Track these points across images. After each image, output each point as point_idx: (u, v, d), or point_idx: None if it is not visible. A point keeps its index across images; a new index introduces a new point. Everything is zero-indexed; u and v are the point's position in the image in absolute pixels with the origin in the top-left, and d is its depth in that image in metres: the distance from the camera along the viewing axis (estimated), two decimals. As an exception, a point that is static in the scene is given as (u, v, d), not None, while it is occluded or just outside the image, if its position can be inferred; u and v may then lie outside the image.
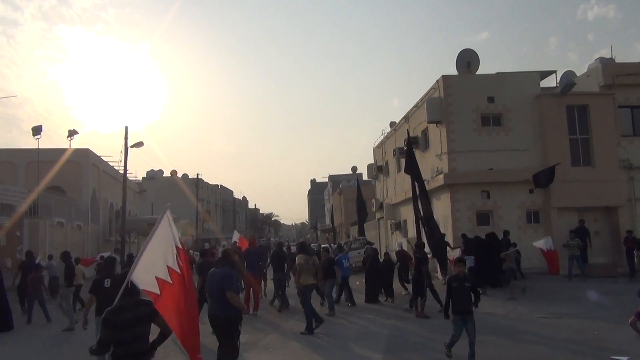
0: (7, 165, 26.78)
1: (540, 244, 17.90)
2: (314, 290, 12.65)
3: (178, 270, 5.02)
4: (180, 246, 5.11)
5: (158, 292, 4.78)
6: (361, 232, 33.16)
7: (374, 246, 20.40)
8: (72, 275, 12.82)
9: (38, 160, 25.41)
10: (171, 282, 4.96)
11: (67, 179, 28.79)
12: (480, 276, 13.37)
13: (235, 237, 19.88)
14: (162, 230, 4.91)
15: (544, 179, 19.61)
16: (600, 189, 20.72)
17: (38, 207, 23.35)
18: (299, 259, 11.83)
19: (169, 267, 4.93)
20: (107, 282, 7.63)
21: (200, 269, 12.03)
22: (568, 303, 13.41)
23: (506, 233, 18.66)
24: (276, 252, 15.42)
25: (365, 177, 53.64)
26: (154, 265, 4.78)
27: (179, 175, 72.62)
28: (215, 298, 6.99)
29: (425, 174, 23.08)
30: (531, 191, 20.91)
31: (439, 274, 18.11)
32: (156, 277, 4.76)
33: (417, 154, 24.17)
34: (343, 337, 10.72)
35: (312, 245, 51.76)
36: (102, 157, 33.20)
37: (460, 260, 8.43)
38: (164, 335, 4.87)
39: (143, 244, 4.76)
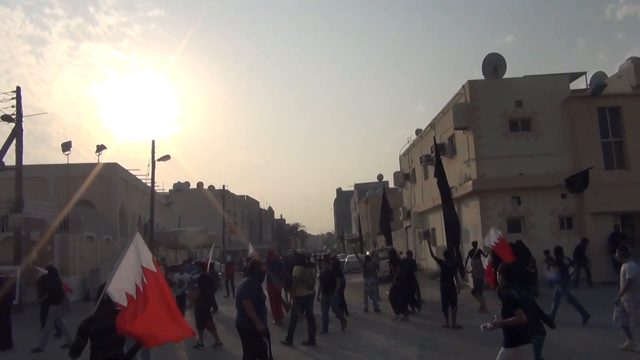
0: (38, 180, 27.32)
1: (488, 240, 13.94)
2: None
3: (142, 289, 5.61)
4: (146, 266, 5.61)
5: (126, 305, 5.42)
6: (388, 241, 32.78)
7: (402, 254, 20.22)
8: (60, 292, 12.68)
9: (68, 175, 25.86)
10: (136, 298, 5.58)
11: (96, 193, 29.25)
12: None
13: (251, 250, 19.93)
14: (131, 255, 5.42)
15: (578, 183, 19.11)
16: (635, 193, 20.13)
17: (68, 222, 23.74)
18: (295, 270, 12.02)
19: (136, 285, 5.55)
20: None
21: (200, 282, 12.28)
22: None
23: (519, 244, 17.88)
24: (291, 262, 15.37)
25: (391, 185, 53.34)
26: (125, 282, 5.39)
27: (205, 187, 73.35)
28: (239, 308, 7.22)
29: (452, 181, 22.86)
30: (564, 196, 20.44)
31: (470, 283, 17.75)
32: (126, 293, 5.37)
33: (444, 160, 23.98)
34: (372, 348, 10.55)
35: (338, 255, 51.73)
36: (129, 171, 33.70)
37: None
38: (137, 344, 5.22)
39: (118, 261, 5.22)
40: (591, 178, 19.19)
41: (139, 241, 5.77)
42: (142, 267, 5.68)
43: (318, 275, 14.03)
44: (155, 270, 5.77)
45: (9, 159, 20.40)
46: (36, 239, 20.53)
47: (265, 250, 60.54)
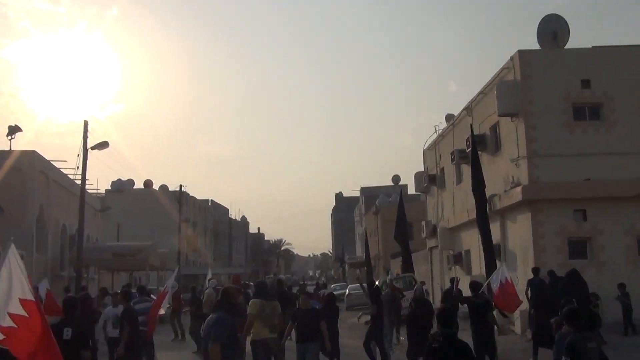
0: None
1: (495, 280, 14.70)
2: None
3: (32, 298, 6.45)
4: (23, 297, 6.33)
5: (13, 324, 6.29)
6: (406, 266, 32.73)
7: (424, 286, 20.48)
8: None
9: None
10: (27, 314, 6.40)
11: (6, 192, 29.25)
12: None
13: (209, 275, 20.31)
14: (6, 268, 6.20)
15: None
16: None
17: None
18: (251, 305, 11.63)
19: (21, 300, 6.31)
20: (67, 333, 7.77)
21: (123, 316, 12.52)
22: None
23: (550, 274, 18.26)
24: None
25: (411, 190, 53.60)
26: (6, 302, 6.16)
27: (156, 186, 73.48)
28: (204, 348, 7.59)
29: (495, 187, 23.12)
30: (645, 210, 20.75)
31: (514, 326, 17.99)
32: (8, 313, 6.10)
33: (485, 158, 24.26)
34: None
35: (335, 285, 51.62)
36: (52, 163, 33.73)
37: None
38: None
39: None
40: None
41: (16, 254, 6.63)
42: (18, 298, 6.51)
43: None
44: (34, 300, 6.62)
45: None
46: None
47: (239, 275, 60.65)
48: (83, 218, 31.75)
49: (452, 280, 19.28)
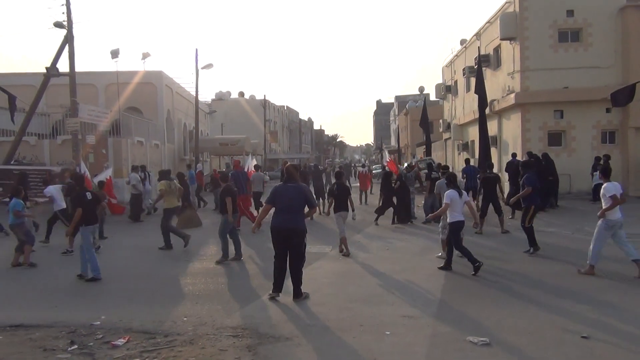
0: (88, 87, 28.14)
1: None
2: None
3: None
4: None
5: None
6: (427, 152, 33.12)
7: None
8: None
9: (117, 82, 26.59)
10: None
11: (144, 100, 30.10)
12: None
13: (251, 161, 21.24)
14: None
15: (622, 97, 18.72)
16: (684, 108, 19.62)
17: (120, 127, 24.78)
18: (160, 185, 12.31)
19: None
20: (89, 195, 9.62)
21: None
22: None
23: (544, 156, 17.70)
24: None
25: (432, 97, 52.65)
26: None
27: (246, 96, 73.91)
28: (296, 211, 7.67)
29: (495, 94, 22.72)
30: (608, 110, 20.13)
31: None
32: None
33: (488, 72, 23.70)
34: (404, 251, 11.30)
35: (374, 166, 52.06)
36: (174, 79, 34.26)
37: None
38: None
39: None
40: (638, 92, 18.77)
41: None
42: None
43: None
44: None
45: (61, 66, 21.13)
46: (92, 142, 21.63)
47: (305, 160, 61.43)
48: (198, 118, 32.55)
49: (466, 160, 19.34)
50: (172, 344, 5.90)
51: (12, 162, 20.86)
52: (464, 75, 27.37)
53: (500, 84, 22.72)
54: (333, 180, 14.46)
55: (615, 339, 5.81)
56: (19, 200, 10.64)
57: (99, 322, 6.71)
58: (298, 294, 7.59)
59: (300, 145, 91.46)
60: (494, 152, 22.02)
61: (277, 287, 7.73)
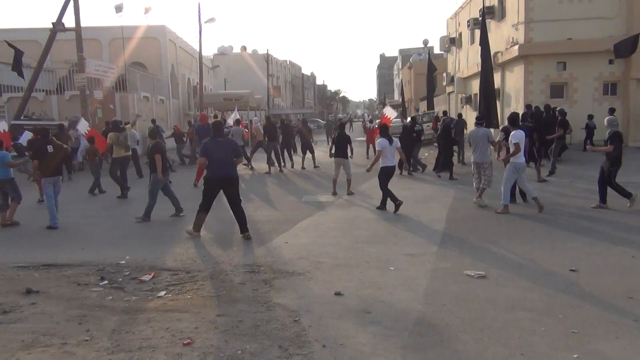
0: (92, 42, 28.16)
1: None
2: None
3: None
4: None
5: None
6: (430, 106, 33.15)
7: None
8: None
9: (123, 37, 26.60)
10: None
11: (148, 55, 30.15)
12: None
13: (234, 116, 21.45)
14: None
15: (625, 48, 18.90)
16: (687, 59, 19.72)
17: (126, 83, 25.01)
18: (109, 137, 14.01)
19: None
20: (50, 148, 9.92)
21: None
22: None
23: (547, 108, 17.65)
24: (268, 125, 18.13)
25: (436, 50, 52.21)
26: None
27: (249, 51, 73.25)
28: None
29: (499, 46, 22.73)
30: (611, 62, 20.21)
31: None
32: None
33: (492, 24, 23.62)
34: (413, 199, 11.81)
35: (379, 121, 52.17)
36: (177, 34, 34.15)
37: None
38: None
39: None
40: (641, 43, 18.88)
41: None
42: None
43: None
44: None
45: (66, 21, 21.22)
46: (100, 97, 21.94)
47: (308, 115, 61.28)
48: (202, 73, 32.63)
49: (478, 118, 19.10)
50: (195, 278, 6.46)
51: (21, 118, 21.24)
52: (468, 27, 27.28)
53: (504, 35, 22.71)
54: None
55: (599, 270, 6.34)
56: (2, 151, 10.10)
57: (124, 262, 7.27)
58: (245, 230, 8.52)
59: (303, 101, 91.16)
60: (497, 105, 22.21)
61: (198, 228, 8.71)
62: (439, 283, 6.06)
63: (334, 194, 12.61)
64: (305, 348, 4.34)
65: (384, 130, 10.77)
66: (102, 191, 13.86)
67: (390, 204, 10.51)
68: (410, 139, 16.15)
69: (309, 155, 18.65)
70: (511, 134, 9.85)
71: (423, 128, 18.25)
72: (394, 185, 13.61)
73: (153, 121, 20.77)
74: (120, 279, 6.53)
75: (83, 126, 15.83)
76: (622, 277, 6.12)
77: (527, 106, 18.24)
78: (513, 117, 10.26)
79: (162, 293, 5.92)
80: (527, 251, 7.32)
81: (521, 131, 9.90)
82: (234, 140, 9.64)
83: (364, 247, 7.78)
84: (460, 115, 21.19)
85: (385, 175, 10.43)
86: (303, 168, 18.44)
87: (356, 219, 10.05)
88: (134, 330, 4.84)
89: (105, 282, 6.42)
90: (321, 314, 5.14)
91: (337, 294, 5.71)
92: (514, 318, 4.94)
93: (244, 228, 8.52)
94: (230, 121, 20.24)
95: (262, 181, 16.12)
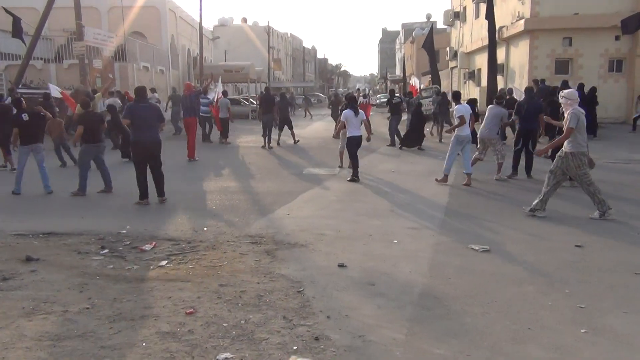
0: (90, 10, 27.69)
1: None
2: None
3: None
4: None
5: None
6: (434, 80, 32.71)
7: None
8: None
9: (122, 5, 26.12)
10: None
11: (147, 25, 29.70)
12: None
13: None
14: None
15: (632, 24, 18.60)
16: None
17: (125, 52, 24.67)
18: (77, 109, 12.70)
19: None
20: (25, 116, 9.87)
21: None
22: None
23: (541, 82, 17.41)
24: (265, 97, 17.53)
25: (439, 25, 51.60)
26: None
27: (249, 23, 72.35)
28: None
29: (504, 20, 22.41)
30: (617, 38, 19.96)
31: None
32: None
33: (498, -3, 23.20)
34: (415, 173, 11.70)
35: (379, 95, 51.74)
36: (177, 3, 33.63)
37: None
38: None
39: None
40: (649, 19, 18.58)
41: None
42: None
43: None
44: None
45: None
46: (99, 66, 21.65)
47: (309, 88, 60.76)
48: (202, 44, 32.19)
49: (498, 97, 18.57)
50: (196, 249, 6.39)
51: (20, 86, 20.97)
52: (473, 0, 26.85)
53: (510, 10, 22.37)
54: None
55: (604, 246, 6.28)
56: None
57: (125, 231, 7.19)
58: (162, 194, 8.99)
59: (304, 74, 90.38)
60: (500, 80, 21.98)
61: (144, 195, 8.90)
62: (443, 256, 5.99)
63: (340, 166, 12.51)
64: (309, 319, 4.28)
65: (351, 101, 11.24)
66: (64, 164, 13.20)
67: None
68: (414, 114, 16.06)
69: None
70: (455, 108, 10.31)
71: (402, 100, 18.56)
72: (401, 159, 13.53)
73: (152, 90, 20.53)
74: (121, 248, 6.46)
75: (54, 90, 15.71)
76: (629, 253, 6.06)
77: (535, 81, 17.99)
78: (455, 94, 11.16)
79: (164, 262, 5.85)
80: (531, 225, 7.25)
81: (466, 106, 10.45)
82: (157, 105, 10.35)
83: (366, 220, 7.71)
84: (444, 93, 20.77)
85: (351, 145, 10.78)
86: (278, 144, 17.54)
87: (357, 192, 9.96)
88: (135, 299, 4.77)
89: (106, 250, 6.34)
90: (325, 285, 5.08)
91: (341, 265, 5.65)
92: (521, 292, 4.89)
93: (161, 192, 8.96)
94: (211, 96, 19.12)
95: (262, 155, 15.99)
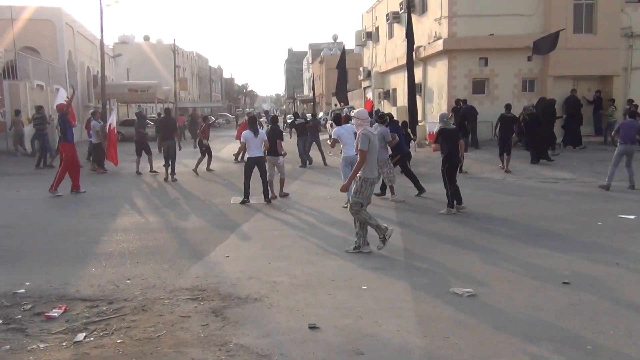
0: (-26, 23, 24.78)
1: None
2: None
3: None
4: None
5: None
6: (345, 100, 32.14)
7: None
8: None
9: (12, 17, 23.44)
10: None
11: (42, 40, 27.04)
12: None
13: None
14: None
15: (545, 45, 19.11)
16: (598, 57, 20.29)
17: (16, 69, 22.09)
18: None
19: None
20: None
21: None
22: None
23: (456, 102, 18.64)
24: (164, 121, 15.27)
25: (348, 46, 52.17)
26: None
27: (153, 41, 69.53)
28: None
29: (421, 40, 22.41)
30: (529, 59, 20.46)
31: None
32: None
33: (413, 18, 23.17)
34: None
35: (290, 116, 51.40)
36: (74, 17, 31.10)
37: None
38: None
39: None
40: (559, 41, 19.18)
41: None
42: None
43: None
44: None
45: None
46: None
47: (217, 109, 58.86)
48: (103, 61, 29.85)
49: (380, 116, 18.84)
50: (121, 312, 5.04)
51: None
52: (387, 20, 26.87)
53: (426, 30, 22.44)
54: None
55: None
56: None
57: (23, 290, 5.67)
58: None
59: (211, 94, 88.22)
60: (418, 100, 21.87)
61: None
62: (427, 306, 5.08)
63: (273, 197, 11.17)
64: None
65: (252, 123, 10.96)
66: None
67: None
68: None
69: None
70: (334, 130, 10.85)
71: (307, 120, 19.25)
72: (330, 184, 12.68)
73: (37, 108, 18.26)
74: (20, 316, 4.99)
75: (62, 96, 13.76)
76: (619, 285, 5.48)
77: (457, 101, 18.02)
78: (336, 116, 12.01)
79: (81, 336, 4.47)
80: (498, 258, 6.57)
81: (345, 127, 10.32)
82: None
83: (321, 261, 6.68)
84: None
85: (250, 164, 10.65)
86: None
87: (299, 224, 8.92)
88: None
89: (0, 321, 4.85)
90: (300, 357, 3.99)
91: (312, 327, 4.57)
92: (534, 353, 4.06)
93: None
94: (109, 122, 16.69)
95: (177, 185, 14.49)
